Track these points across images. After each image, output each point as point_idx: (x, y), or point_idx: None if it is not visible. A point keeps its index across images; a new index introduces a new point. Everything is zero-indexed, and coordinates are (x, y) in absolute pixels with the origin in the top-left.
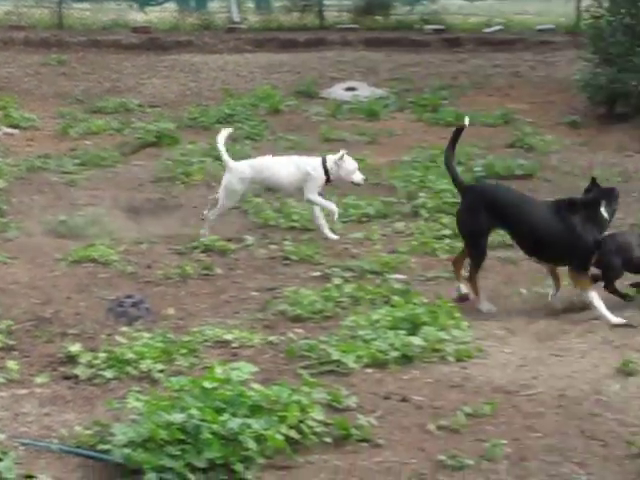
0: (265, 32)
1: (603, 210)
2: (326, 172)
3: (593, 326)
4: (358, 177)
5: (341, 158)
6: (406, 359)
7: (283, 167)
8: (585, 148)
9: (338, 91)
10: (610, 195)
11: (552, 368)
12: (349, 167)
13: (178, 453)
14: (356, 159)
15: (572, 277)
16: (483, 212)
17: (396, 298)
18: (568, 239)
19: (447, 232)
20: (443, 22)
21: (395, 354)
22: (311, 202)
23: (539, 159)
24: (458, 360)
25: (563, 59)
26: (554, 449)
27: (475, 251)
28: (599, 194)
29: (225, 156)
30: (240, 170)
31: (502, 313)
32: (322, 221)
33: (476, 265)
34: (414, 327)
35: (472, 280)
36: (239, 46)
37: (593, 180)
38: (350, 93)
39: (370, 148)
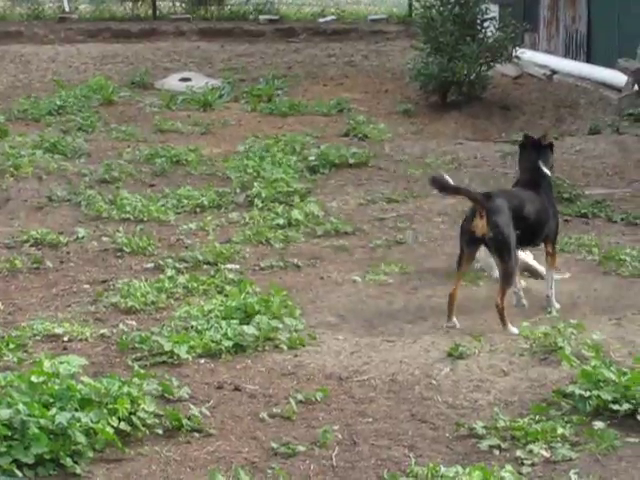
0: (97, 22)
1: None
2: None
3: (424, 311)
4: None
5: None
6: (239, 348)
7: None
8: (418, 136)
9: (172, 82)
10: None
11: (384, 354)
12: None
13: (4, 450)
14: (190, 150)
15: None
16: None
17: (229, 288)
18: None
19: (281, 221)
20: (277, 12)
21: (228, 344)
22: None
23: (373, 147)
24: (291, 348)
25: (396, 49)
26: (385, 433)
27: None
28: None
29: None
30: None
31: (336, 301)
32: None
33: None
34: (247, 316)
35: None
36: (71, 36)
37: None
38: (184, 84)
39: (204, 139)
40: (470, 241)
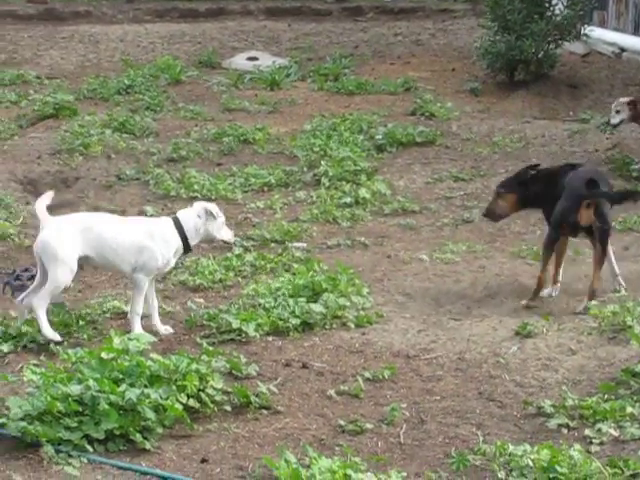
0: (165, 2)
1: None
2: None
3: (491, 290)
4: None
5: None
6: (307, 326)
7: None
8: (485, 115)
9: (239, 61)
10: None
11: (451, 332)
12: None
13: (75, 425)
14: (257, 129)
15: None
16: None
17: (297, 266)
18: None
19: (348, 200)
20: None
21: (296, 321)
22: None
23: (440, 126)
24: (358, 326)
25: (463, 27)
26: (452, 411)
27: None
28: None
29: None
30: None
31: (403, 279)
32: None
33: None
34: (315, 294)
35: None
36: (139, 16)
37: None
38: (251, 63)
39: (272, 118)
40: (573, 230)
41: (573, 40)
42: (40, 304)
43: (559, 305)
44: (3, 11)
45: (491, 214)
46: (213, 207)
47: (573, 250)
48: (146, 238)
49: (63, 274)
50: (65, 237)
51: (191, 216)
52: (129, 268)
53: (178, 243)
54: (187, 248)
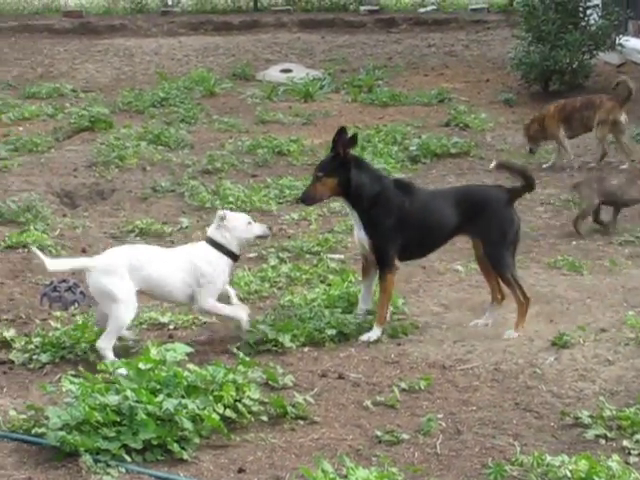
0: (199, 15)
1: None
2: None
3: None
4: None
5: None
6: (342, 337)
7: None
8: (519, 125)
9: (273, 73)
10: None
11: (487, 342)
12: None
13: (113, 435)
14: (291, 140)
15: None
16: None
17: (332, 277)
18: None
19: None
20: (377, 3)
21: (331, 332)
22: None
23: (474, 137)
24: (394, 337)
25: (497, 38)
26: (489, 422)
27: None
28: None
29: None
30: None
31: (438, 290)
32: None
33: None
34: (350, 305)
35: None
36: (173, 29)
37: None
38: (285, 75)
39: (305, 129)
40: None
41: (608, 50)
42: (107, 346)
43: (596, 315)
44: (39, 25)
45: (308, 200)
46: (223, 213)
47: (609, 260)
48: (202, 264)
49: (125, 312)
50: (116, 275)
51: (215, 229)
52: (186, 299)
53: (225, 260)
54: (234, 258)
